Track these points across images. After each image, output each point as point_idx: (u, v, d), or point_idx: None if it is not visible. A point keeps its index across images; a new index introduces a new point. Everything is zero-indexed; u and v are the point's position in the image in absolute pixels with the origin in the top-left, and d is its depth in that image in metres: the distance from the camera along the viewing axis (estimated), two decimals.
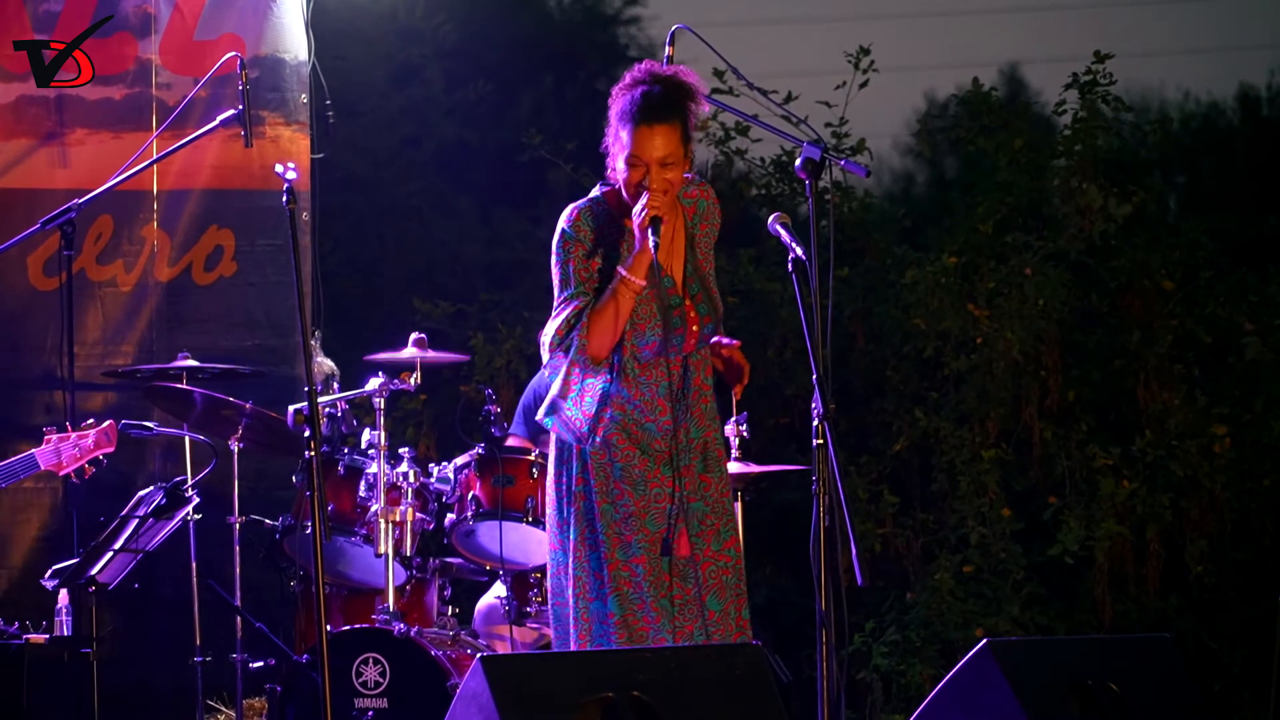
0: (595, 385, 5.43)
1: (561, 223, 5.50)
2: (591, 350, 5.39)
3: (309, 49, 8.50)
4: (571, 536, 5.45)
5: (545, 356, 5.47)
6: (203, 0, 8.39)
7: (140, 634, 8.04)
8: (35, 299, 8.19)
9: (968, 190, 10.64)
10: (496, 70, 15.53)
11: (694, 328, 5.54)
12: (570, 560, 5.44)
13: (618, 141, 5.47)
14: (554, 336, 5.42)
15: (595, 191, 5.58)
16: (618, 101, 5.48)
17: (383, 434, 7.16)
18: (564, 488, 5.51)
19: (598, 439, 5.43)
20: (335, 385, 7.84)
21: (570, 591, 5.44)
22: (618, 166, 5.48)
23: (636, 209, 5.41)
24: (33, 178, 8.23)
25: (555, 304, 5.47)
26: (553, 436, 5.56)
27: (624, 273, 5.43)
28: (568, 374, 5.44)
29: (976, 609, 9.19)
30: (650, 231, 5.39)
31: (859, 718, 9.27)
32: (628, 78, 5.52)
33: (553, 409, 5.50)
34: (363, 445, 7.33)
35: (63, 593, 6.75)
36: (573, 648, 5.43)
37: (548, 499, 5.60)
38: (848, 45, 10.04)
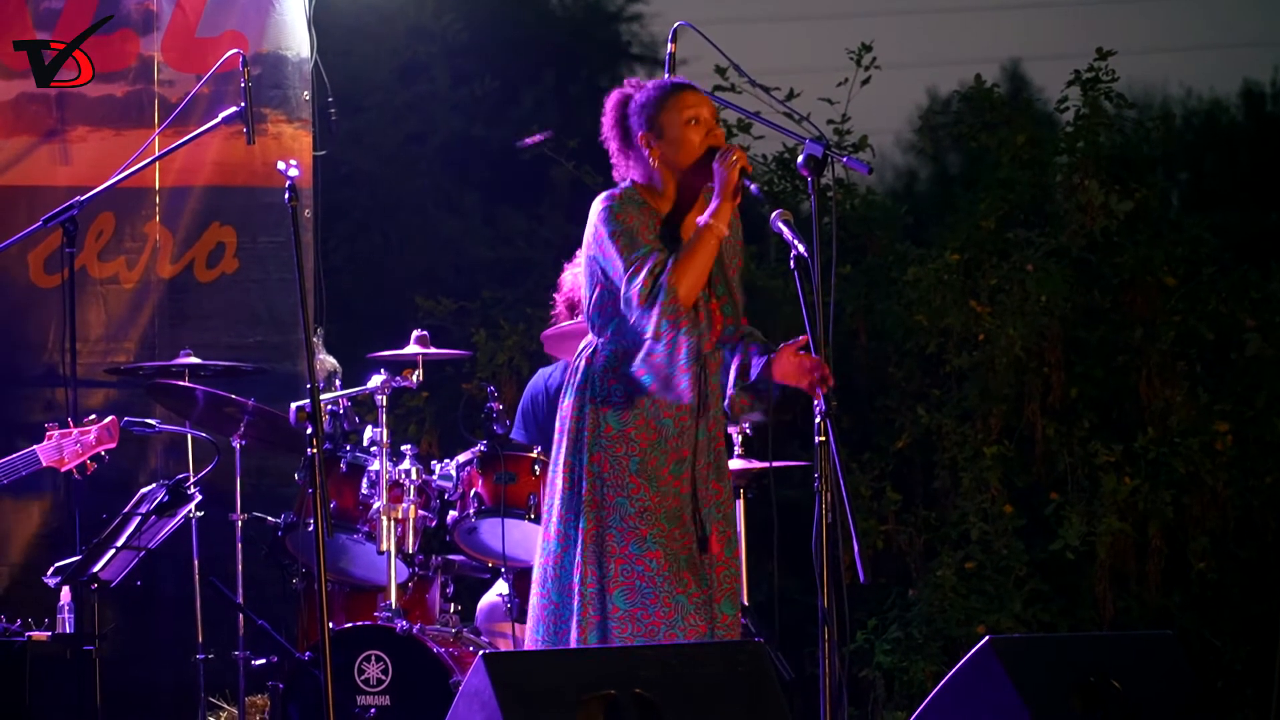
0: (686, 341, 5.34)
1: (602, 202, 5.47)
2: (681, 296, 5.32)
3: (311, 46, 8.50)
4: (581, 526, 5.42)
5: (634, 316, 5.34)
6: None
7: (142, 631, 8.04)
8: (36, 296, 8.19)
9: (970, 187, 10.63)
10: (499, 67, 15.52)
11: (717, 326, 5.52)
12: (578, 550, 5.41)
13: (667, 111, 5.47)
14: (640, 288, 5.32)
15: (625, 184, 5.56)
16: (640, 98, 5.51)
17: (385, 431, 7.15)
18: (575, 477, 5.47)
19: (685, 396, 5.36)
20: (337, 382, 7.85)
21: (575, 580, 5.40)
22: (670, 138, 5.47)
23: (723, 161, 5.41)
24: (34, 175, 8.23)
25: (625, 266, 5.36)
26: (566, 426, 5.49)
27: (710, 220, 5.40)
28: (660, 324, 5.32)
29: (979, 606, 9.20)
30: (744, 179, 5.41)
31: (861, 715, 9.28)
32: (627, 90, 5.55)
33: (648, 361, 5.36)
34: (365, 442, 7.33)
35: (65, 590, 6.75)
36: (573, 639, 5.40)
37: (550, 488, 5.55)
38: (850, 42, 10.01)
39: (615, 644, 5.32)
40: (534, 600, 5.52)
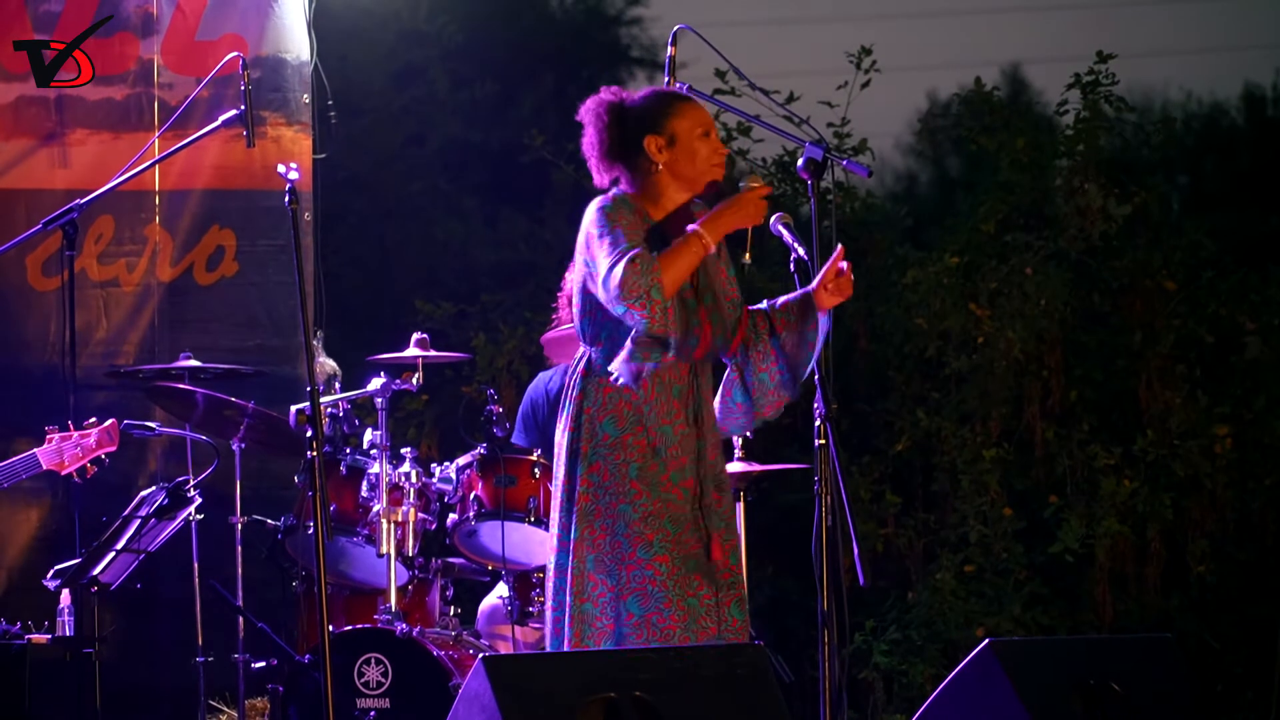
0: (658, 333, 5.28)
1: (599, 203, 5.39)
2: (667, 293, 5.27)
3: (311, 49, 8.50)
4: (573, 536, 5.41)
5: (609, 298, 5.26)
6: (204, 0, 8.39)
7: (142, 634, 8.03)
8: (36, 299, 8.19)
9: (969, 190, 10.64)
10: (498, 70, 15.54)
11: (707, 333, 5.48)
12: (570, 560, 5.40)
13: (679, 119, 5.42)
14: (621, 282, 5.22)
15: (617, 190, 5.51)
16: (641, 103, 5.46)
17: (385, 434, 7.16)
18: (570, 488, 5.43)
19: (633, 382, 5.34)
20: (337, 385, 7.85)
21: (567, 590, 5.40)
22: (683, 147, 5.41)
23: (748, 183, 5.39)
24: (33, 178, 8.22)
25: (606, 258, 5.27)
26: (564, 438, 5.47)
27: (701, 230, 5.34)
28: (645, 313, 5.24)
29: (978, 608, 9.20)
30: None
31: (861, 717, 9.28)
32: (608, 97, 5.51)
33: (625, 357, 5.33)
34: (365, 445, 7.33)
35: (65, 593, 6.76)
36: (566, 648, 5.39)
37: (553, 499, 5.54)
38: (849, 45, 10.04)
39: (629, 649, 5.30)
40: (551, 609, 5.52)
